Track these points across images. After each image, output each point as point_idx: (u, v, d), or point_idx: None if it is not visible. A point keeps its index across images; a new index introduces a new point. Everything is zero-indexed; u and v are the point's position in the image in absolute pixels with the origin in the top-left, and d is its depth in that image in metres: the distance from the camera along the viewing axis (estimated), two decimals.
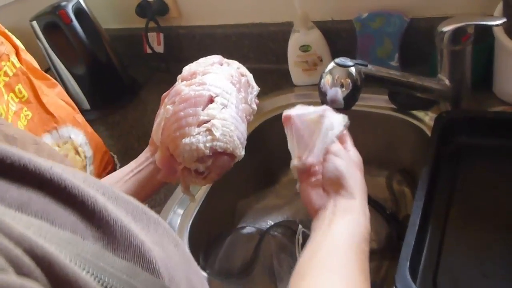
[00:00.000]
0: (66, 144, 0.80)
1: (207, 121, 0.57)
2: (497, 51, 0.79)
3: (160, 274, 0.28)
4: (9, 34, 0.75)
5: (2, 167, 0.25)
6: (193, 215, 0.84)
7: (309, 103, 1.00)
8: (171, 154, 0.58)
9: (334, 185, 0.54)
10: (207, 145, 0.56)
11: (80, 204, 0.27)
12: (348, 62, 0.70)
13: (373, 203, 0.88)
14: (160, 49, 1.22)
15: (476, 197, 0.71)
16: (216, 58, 0.66)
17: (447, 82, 0.79)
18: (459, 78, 0.78)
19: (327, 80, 0.71)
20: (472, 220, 0.68)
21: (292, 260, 0.77)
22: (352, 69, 0.70)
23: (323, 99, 0.73)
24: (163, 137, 0.58)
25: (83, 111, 1.10)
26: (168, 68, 1.21)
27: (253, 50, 1.12)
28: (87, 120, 0.93)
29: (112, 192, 0.31)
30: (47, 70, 1.17)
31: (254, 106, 0.67)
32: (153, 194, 0.66)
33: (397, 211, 0.90)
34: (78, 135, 0.83)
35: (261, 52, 1.11)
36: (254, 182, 1.00)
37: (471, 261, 0.63)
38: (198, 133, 0.56)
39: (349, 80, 0.70)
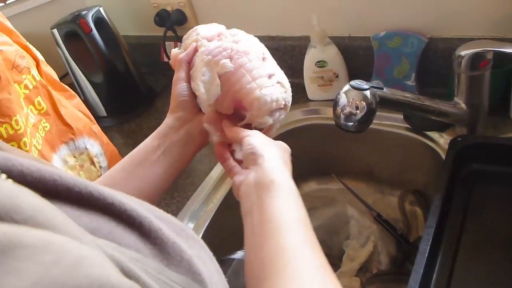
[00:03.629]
0: (82, 155, 0.81)
1: (271, 75, 0.57)
2: None
3: (206, 284, 0.30)
4: (30, 46, 0.76)
5: (71, 195, 0.27)
6: (204, 228, 0.85)
7: (322, 119, 1.02)
8: (237, 107, 0.56)
9: (251, 159, 0.50)
10: (282, 96, 0.57)
11: (139, 225, 0.29)
12: (364, 85, 0.70)
13: (384, 223, 0.88)
14: None
15: (489, 226, 0.70)
16: (221, 27, 0.65)
17: (463, 106, 0.78)
18: (476, 103, 0.78)
19: (342, 101, 0.71)
20: (483, 250, 0.68)
21: None
22: (367, 92, 0.70)
23: (337, 120, 0.73)
24: (229, 92, 0.55)
25: (99, 118, 1.13)
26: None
27: None
28: (103, 127, 0.94)
29: (158, 212, 0.33)
30: (64, 76, 1.19)
31: None
32: (181, 172, 0.59)
33: (408, 232, 0.90)
34: (94, 145, 0.84)
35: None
36: None
37: None
38: (272, 85, 0.56)
39: (364, 103, 0.70)
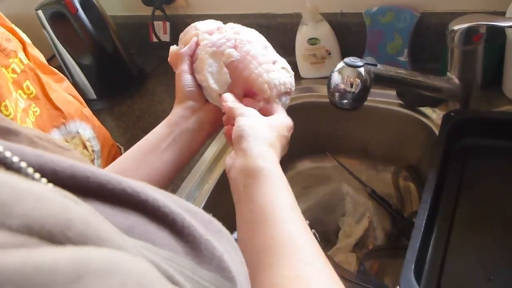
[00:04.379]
0: (74, 139, 0.80)
1: (275, 61, 0.60)
2: (508, 51, 0.78)
3: (235, 281, 0.29)
4: (16, 29, 0.74)
5: (104, 192, 0.26)
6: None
7: (315, 97, 1.02)
8: (246, 94, 0.58)
9: (238, 142, 0.50)
10: (289, 80, 0.59)
11: (171, 222, 0.28)
12: (358, 62, 0.69)
13: (379, 199, 0.89)
14: (166, 38, 1.20)
15: (483, 199, 0.71)
16: (218, 23, 0.66)
17: (456, 81, 0.78)
18: (469, 77, 0.77)
19: (336, 79, 0.71)
20: (477, 223, 0.69)
21: None
22: (362, 69, 0.69)
23: (331, 98, 0.73)
24: (238, 79, 0.57)
25: (89, 101, 1.11)
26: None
27: None
28: (94, 110, 0.93)
29: (185, 205, 0.32)
30: (51, 58, 1.17)
31: None
32: (190, 159, 0.62)
33: (403, 207, 0.91)
34: (86, 129, 0.83)
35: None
36: None
37: (476, 264, 0.64)
38: (278, 70, 0.59)
39: (359, 80, 0.70)
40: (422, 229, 0.64)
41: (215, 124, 0.60)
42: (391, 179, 0.95)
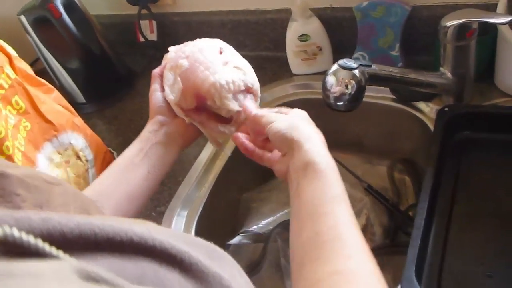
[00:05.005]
0: (67, 150, 0.79)
1: (227, 62, 0.61)
2: (500, 44, 0.78)
3: None
4: (0, 42, 0.72)
5: (113, 245, 0.27)
6: (198, 214, 0.84)
7: (308, 93, 1.01)
8: (198, 100, 0.59)
9: (284, 146, 0.53)
10: (240, 78, 0.59)
11: (179, 262, 0.29)
12: (352, 64, 0.69)
13: (375, 193, 0.89)
14: (153, 37, 1.18)
15: (479, 194, 0.71)
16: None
17: (450, 75, 0.78)
18: (462, 72, 0.77)
19: (330, 82, 0.70)
20: (475, 218, 0.69)
21: None
22: (356, 71, 0.69)
23: (327, 101, 0.72)
24: (188, 87, 0.59)
25: (78, 105, 1.09)
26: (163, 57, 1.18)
27: (249, 37, 1.09)
28: (83, 114, 0.91)
29: (188, 239, 0.32)
30: (35, 61, 1.14)
31: None
32: (166, 173, 0.64)
33: (399, 200, 0.92)
34: (78, 139, 0.82)
35: (258, 40, 1.09)
36: (256, 177, 1.01)
37: (475, 261, 0.64)
38: (226, 70, 0.59)
39: (354, 82, 0.69)
40: (422, 229, 0.64)
41: (186, 136, 0.63)
42: (386, 172, 0.96)
